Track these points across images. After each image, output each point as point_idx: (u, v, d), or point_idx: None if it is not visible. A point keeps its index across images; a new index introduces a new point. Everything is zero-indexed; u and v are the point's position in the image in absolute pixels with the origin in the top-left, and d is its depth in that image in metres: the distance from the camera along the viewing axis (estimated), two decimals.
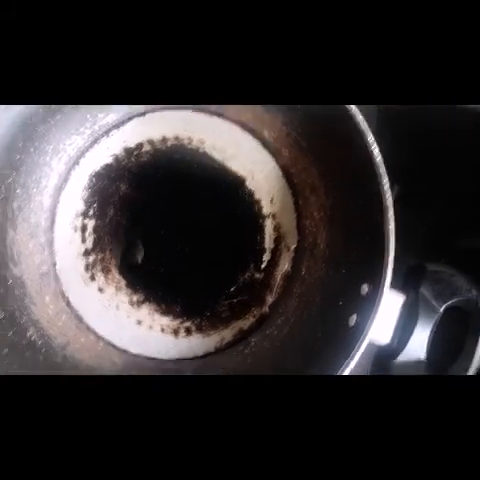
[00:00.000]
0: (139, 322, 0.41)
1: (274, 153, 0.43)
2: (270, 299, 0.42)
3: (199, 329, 0.41)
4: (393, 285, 0.33)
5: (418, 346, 0.34)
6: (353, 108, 0.34)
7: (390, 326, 0.34)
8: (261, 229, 0.42)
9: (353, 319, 0.35)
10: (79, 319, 0.40)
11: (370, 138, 0.34)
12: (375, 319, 0.33)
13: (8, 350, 0.34)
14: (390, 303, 0.34)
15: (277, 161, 0.43)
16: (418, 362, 0.34)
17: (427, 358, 0.34)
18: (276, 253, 0.42)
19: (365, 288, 0.35)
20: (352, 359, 0.32)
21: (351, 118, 0.34)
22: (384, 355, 0.34)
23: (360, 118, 0.34)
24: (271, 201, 0.43)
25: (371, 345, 0.34)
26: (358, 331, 0.33)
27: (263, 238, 0.42)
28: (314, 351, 0.37)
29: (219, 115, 0.43)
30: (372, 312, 0.33)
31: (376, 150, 0.34)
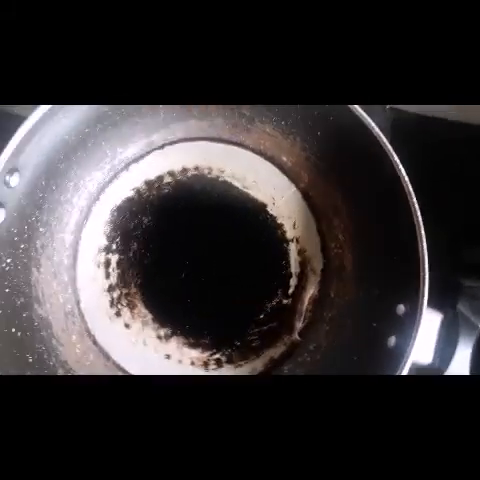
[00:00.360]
0: (168, 356, 0.40)
1: (293, 178, 0.43)
2: (300, 325, 0.41)
3: (229, 360, 0.40)
4: (429, 304, 0.33)
5: (461, 363, 0.33)
6: (373, 127, 0.35)
7: (431, 346, 0.34)
8: (286, 254, 0.42)
9: (392, 340, 0.34)
10: (107, 357, 0.39)
11: (395, 158, 0.35)
12: (416, 339, 0.33)
13: None
14: (428, 322, 0.33)
15: (297, 185, 0.43)
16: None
17: (471, 374, 0.33)
18: (302, 277, 0.42)
19: (401, 308, 0.35)
20: None
21: (372, 138, 0.35)
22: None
23: (382, 138, 0.35)
24: (294, 225, 0.43)
25: (413, 366, 0.33)
26: (399, 352, 0.33)
27: (288, 263, 0.42)
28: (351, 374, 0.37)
29: (237, 144, 0.43)
30: (412, 332, 0.32)
31: (402, 169, 0.34)
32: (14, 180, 0.33)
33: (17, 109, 0.38)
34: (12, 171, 0.33)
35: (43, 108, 0.32)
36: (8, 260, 0.34)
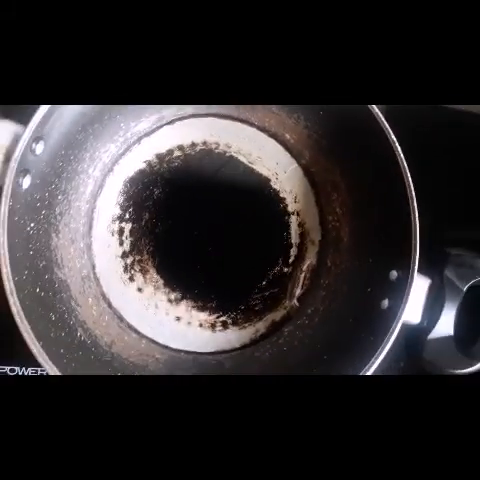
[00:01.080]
0: (178, 319, 0.43)
1: (296, 154, 0.46)
2: (298, 291, 0.44)
3: (235, 322, 0.43)
4: (419, 270, 0.37)
5: (446, 324, 0.37)
6: (374, 108, 0.38)
7: (419, 307, 0.37)
8: (287, 226, 0.45)
9: (385, 303, 0.38)
10: (120, 319, 0.42)
11: (393, 136, 0.38)
12: (407, 302, 0.36)
13: (63, 350, 0.35)
14: (418, 286, 0.37)
15: (299, 162, 0.46)
16: (447, 338, 0.37)
17: (454, 334, 0.37)
18: (302, 248, 0.45)
19: (394, 274, 0.38)
20: (389, 339, 0.35)
21: (372, 118, 0.38)
22: (416, 334, 0.38)
23: (381, 118, 0.38)
24: (295, 199, 0.46)
25: (403, 326, 0.37)
26: (391, 314, 0.36)
27: (289, 234, 0.45)
28: (348, 335, 0.40)
29: (243, 121, 0.46)
30: (404, 296, 0.36)
31: (398, 146, 0.37)
32: (39, 148, 0.35)
33: None
34: (38, 139, 0.35)
35: None
36: (32, 224, 0.37)
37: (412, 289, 0.36)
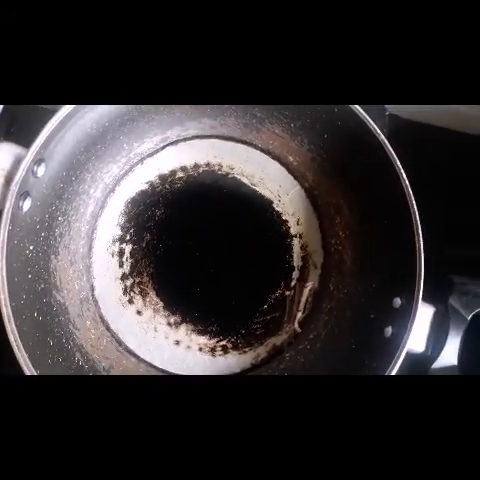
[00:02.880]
0: (177, 342, 0.42)
1: (299, 177, 0.46)
2: (300, 315, 0.44)
3: (235, 347, 0.43)
4: (424, 298, 0.36)
5: (450, 353, 0.36)
6: (380, 135, 0.37)
7: (424, 336, 0.37)
8: (289, 248, 0.45)
9: (389, 331, 0.37)
10: (119, 342, 0.41)
11: (398, 163, 0.37)
12: (411, 330, 0.36)
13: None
14: (422, 314, 0.36)
15: (302, 184, 0.45)
16: (451, 367, 0.36)
17: (458, 363, 0.36)
18: (304, 271, 0.45)
19: (398, 301, 0.38)
20: (393, 367, 0.35)
21: (376, 142, 0.37)
22: (419, 363, 0.37)
23: (386, 143, 0.37)
24: (297, 222, 0.45)
25: (407, 354, 0.36)
26: (395, 341, 0.35)
27: (291, 257, 0.45)
28: (350, 362, 0.39)
29: (246, 143, 0.45)
30: (408, 324, 0.35)
31: (404, 174, 0.37)
32: (41, 170, 0.35)
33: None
34: (40, 161, 0.34)
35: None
36: (31, 247, 0.36)
37: (416, 317, 0.36)
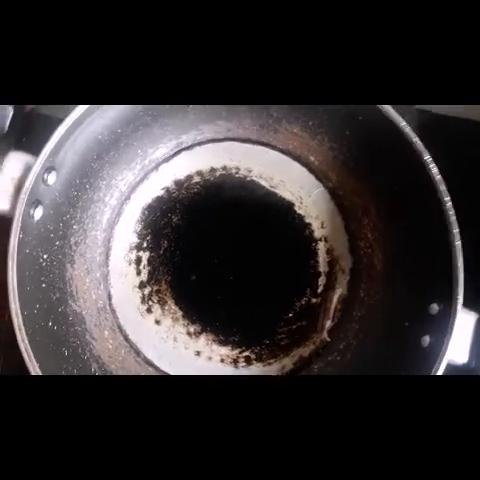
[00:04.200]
0: (198, 353, 0.40)
1: (321, 177, 0.43)
2: (329, 324, 0.41)
3: (259, 358, 0.40)
4: (464, 303, 0.33)
5: None
6: (405, 125, 0.35)
7: (466, 345, 0.33)
8: (314, 253, 0.42)
9: (426, 340, 0.34)
10: (137, 353, 0.40)
11: (427, 156, 0.34)
12: (450, 339, 0.32)
13: None
14: (463, 321, 0.33)
15: (325, 185, 0.43)
16: None
17: None
18: (331, 277, 0.42)
19: (435, 307, 0.34)
20: None
21: (403, 136, 0.35)
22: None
23: (413, 136, 0.35)
24: (322, 225, 0.43)
25: (448, 366, 0.33)
26: (433, 352, 0.32)
27: (317, 262, 0.42)
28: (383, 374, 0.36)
29: (264, 144, 0.44)
30: (446, 332, 0.32)
31: (435, 168, 0.34)
32: (51, 178, 0.34)
33: (54, 112, 0.40)
34: (50, 169, 0.34)
35: (80, 109, 0.33)
36: (45, 256, 0.36)
37: (456, 324, 0.32)
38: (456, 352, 0.32)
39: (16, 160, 0.33)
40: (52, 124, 0.34)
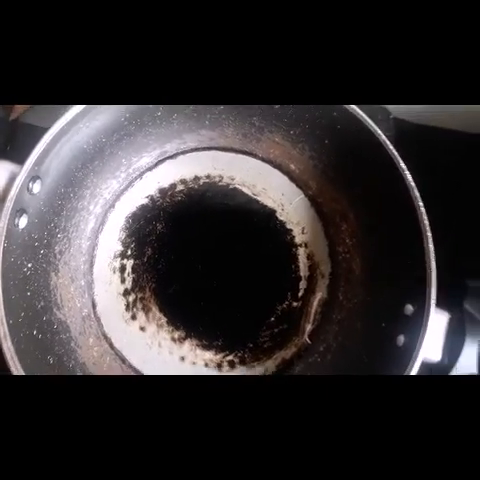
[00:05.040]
0: (182, 358, 0.41)
1: (301, 185, 0.45)
2: (309, 327, 0.42)
3: (242, 362, 0.41)
4: (437, 304, 0.34)
5: (468, 360, 0.34)
6: (380, 134, 0.36)
7: (439, 344, 0.35)
8: (295, 258, 0.43)
9: (401, 340, 0.35)
10: (122, 360, 0.40)
11: (402, 164, 0.36)
12: (424, 338, 0.34)
13: None
14: (436, 321, 0.34)
15: (305, 192, 0.44)
16: (471, 376, 0.34)
17: (478, 371, 0.34)
18: (312, 281, 0.43)
19: (410, 308, 0.36)
20: None
21: (380, 146, 0.36)
22: (436, 373, 0.35)
23: (390, 146, 0.36)
24: (302, 231, 0.44)
25: (422, 364, 0.34)
26: (408, 351, 0.33)
27: (298, 267, 0.43)
28: (363, 374, 0.37)
29: (247, 153, 0.45)
30: (420, 331, 0.33)
31: (409, 175, 0.36)
32: (36, 187, 0.35)
33: (39, 121, 0.40)
34: (35, 178, 0.34)
35: (65, 118, 0.34)
36: (29, 265, 0.36)
37: (430, 324, 0.33)
38: (430, 350, 0.34)
39: (0, 169, 0.33)
40: (37, 133, 0.34)
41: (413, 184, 0.35)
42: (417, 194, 0.35)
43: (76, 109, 0.34)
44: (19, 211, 0.34)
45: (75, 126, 0.35)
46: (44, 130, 0.34)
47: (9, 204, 0.32)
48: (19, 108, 0.43)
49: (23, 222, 0.34)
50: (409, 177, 0.36)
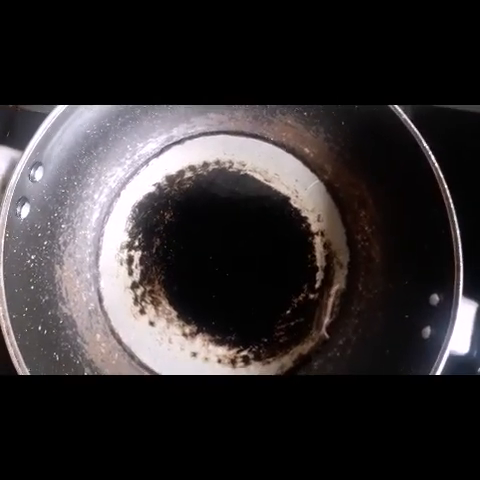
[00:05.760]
0: (194, 354, 0.39)
1: (316, 170, 0.42)
2: (327, 320, 0.40)
3: (257, 357, 0.39)
4: (464, 293, 0.32)
5: None
6: (402, 114, 0.34)
7: (467, 335, 0.32)
8: (311, 247, 0.41)
9: (427, 332, 0.33)
10: (131, 356, 0.38)
11: (425, 145, 0.34)
12: (453, 329, 0.32)
13: None
14: (464, 311, 0.32)
15: (320, 177, 0.42)
16: None
17: None
18: (329, 271, 0.41)
19: (435, 298, 0.33)
20: (435, 373, 0.31)
21: (399, 125, 0.34)
22: (464, 366, 0.33)
23: (410, 124, 0.34)
24: (318, 218, 0.42)
25: (449, 357, 0.32)
26: (435, 344, 0.31)
27: (314, 257, 0.41)
28: (385, 369, 0.35)
29: (257, 136, 0.43)
30: (448, 322, 0.31)
31: (432, 157, 0.34)
32: (38, 174, 0.33)
33: (39, 107, 0.38)
34: (36, 165, 0.32)
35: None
36: (32, 257, 0.34)
37: (457, 315, 0.31)
38: (457, 342, 0.32)
39: (0, 155, 0.32)
40: (37, 119, 0.32)
41: (437, 165, 0.33)
42: (441, 175, 0.33)
43: None
44: (21, 199, 0.32)
45: (78, 109, 0.33)
46: (44, 116, 0.32)
47: (10, 193, 0.30)
48: None
49: (25, 211, 0.32)
50: (433, 158, 0.33)
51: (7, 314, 0.30)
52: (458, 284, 0.31)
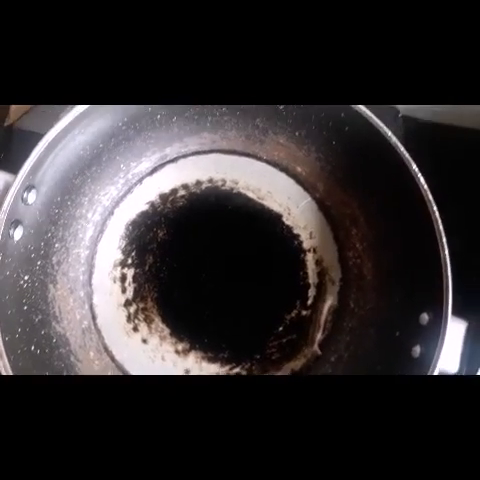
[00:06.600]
0: (187, 371, 0.39)
1: (308, 188, 0.43)
2: (320, 336, 0.40)
3: (250, 374, 0.39)
4: (454, 312, 0.32)
5: None
6: (390, 136, 0.35)
7: (456, 354, 0.33)
8: (303, 264, 0.42)
9: (417, 350, 0.34)
10: (125, 373, 0.39)
11: (414, 167, 0.34)
12: (442, 348, 0.32)
13: None
14: (454, 330, 0.33)
15: (312, 195, 0.42)
16: None
17: None
18: (321, 288, 0.41)
19: (425, 317, 0.34)
20: None
21: (389, 146, 0.34)
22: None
23: (400, 147, 0.34)
24: (310, 235, 0.42)
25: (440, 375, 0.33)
26: (425, 362, 0.32)
27: (306, 273, 0.41)
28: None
29: (250, 155, 0.43)
30: (438, 341, 0.32)
31: (421, 178, 0.34)
32: (31, 197, 0.33)
33: (34, 127, 0.39)
34: (29, 188, 0.33)
35: (59, 125, 0.32)
36: (26, 277, 0.34)
37: (447, 333, 0.32)
38: (447, 361, 0.32)
39: None
40: (32, 140, 0.33)
41: (426, 187, 0.34)
42: (431, 198, 0.33)
43: (71, 115, 0.33)
44: (14, 222, 0.32)
45: (71, 133, 0.34)
46: (39, 136, 0.33)
47: (3, 216, 0.31)
48: (13, 114, 0.42)
49: (18, 234, 0.33)
50: (422, 180, 0.34)
51: (0, 338, 0.30)
52: (447, 304, 0.32)
